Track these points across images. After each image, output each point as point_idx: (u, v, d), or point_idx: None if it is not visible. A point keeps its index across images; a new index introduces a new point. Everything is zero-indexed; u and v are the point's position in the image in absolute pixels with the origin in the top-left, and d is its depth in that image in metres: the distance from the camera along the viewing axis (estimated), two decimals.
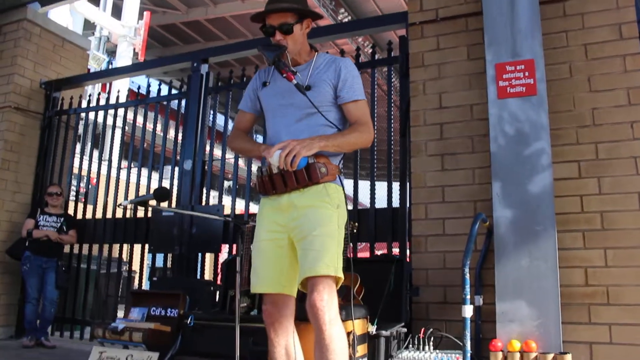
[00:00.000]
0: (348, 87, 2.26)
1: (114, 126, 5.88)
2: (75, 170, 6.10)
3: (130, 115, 5.80)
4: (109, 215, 5.68)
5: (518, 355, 3.00)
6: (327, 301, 2.04)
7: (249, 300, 3.64)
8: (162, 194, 2.79)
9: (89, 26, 18.39)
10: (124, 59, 17.78)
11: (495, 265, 3.27)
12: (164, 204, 5.38)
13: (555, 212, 3.25)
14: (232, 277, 3.74)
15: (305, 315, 2.10)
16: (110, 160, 5.85)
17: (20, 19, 6.11)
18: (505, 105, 3.39)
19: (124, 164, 5.83)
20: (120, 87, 11.64)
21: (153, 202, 2.84)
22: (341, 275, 2.10)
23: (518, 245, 3.19)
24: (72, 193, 6.11)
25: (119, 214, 5.54)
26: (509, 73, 3.39)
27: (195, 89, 5.34)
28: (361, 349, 2.74)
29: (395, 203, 4.32)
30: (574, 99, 3.51)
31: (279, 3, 2.25)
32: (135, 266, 6.02)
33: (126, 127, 6.26)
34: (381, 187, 4.60)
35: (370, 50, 4.95)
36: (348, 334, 2.59)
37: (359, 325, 2.76)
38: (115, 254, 5.62)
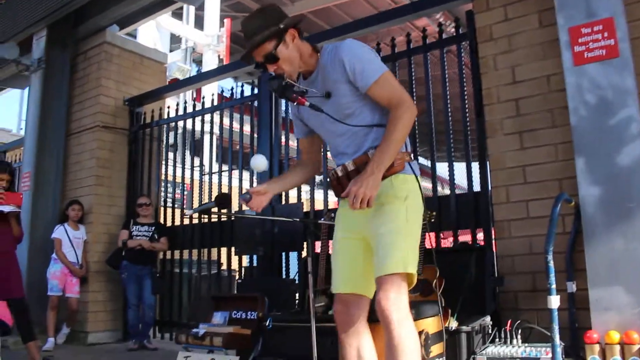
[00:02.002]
0: (359, 74, 2.06)
1: (192, 132, 6.05)
2: (169, 178, 6.36)
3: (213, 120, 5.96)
4: (195, 221, 5.86)
5: (618, 347, 2.71)
6: (394, 300, 1.92)
7: (326, 299, 3.59)
8: (223, 200, 2.79)
9: (175, 40, 19.27)
10: (210, 66, 18.36)
11: (585, 249, 2.98)
12: (244, 208, 5.46)
13: None
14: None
15: (374, 316, 2.01)
16: (192, 166, 6.04)
17: (100, 43, 6.48)
18: (583, 72, 3.07)
19: (214, 167, 5.96)
20: (212, 92, 12.04)
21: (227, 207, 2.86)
22: (411, 270, 1.96)
23: (609, 226, 2.89)
24: (169, 201, 6.40)
25: (205, 219, 5.70)
26: (585, 36, 3.06)
27: (266, 89, 5.36)
28: (436, 348, 2.59)
29: (476, 187, 4.08)
30: None
31: (252, 38, 2.10)
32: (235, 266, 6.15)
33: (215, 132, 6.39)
34: (460, 168, 4.37)
35: (453, 28, 4.59)
36: (419, 333, 2.47)
37: (433, 323, 2.61)
38: (212, 257, 5.78)
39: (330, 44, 2.17)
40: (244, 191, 5.37)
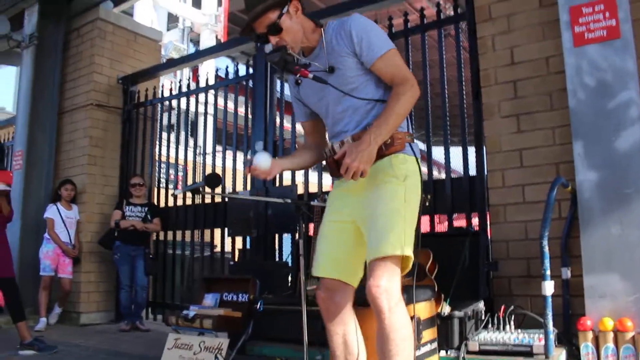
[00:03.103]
0: (366, 46, 2.00)
1: (187, 111, 5.96)
2: (162, 158, 6.30)
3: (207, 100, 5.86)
4: (188, 202, 5.79)
5: (611, 335, 2.67)
6: (385, 288, 1.86)
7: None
8: (213, 179, 2.73)
9: (173, 19, 19.04)
10: (207, 46, 18.19)
11: (580, 235, 2.93)
12: (239, 190, 5.40)
13: None
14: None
15: (364, 300, 1.94)
16: (186, 146, 5.97)
17: (94, 19, 6.35)
18: (583, 53, 2.99)
19: (206, 148, 5.87)
20: (209, 71, 11.95)
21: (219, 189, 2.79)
22: (409, 253, 1.90)
23: (606, 212, 2.83)
24: (163, 181, 6.34)
25: (198, 200, 5.64)
26: (586, 16, 2.98)
27: (261, 69, 5.26)
28: (428, 334, 2.55)
29: (472, 171, 4.02)
30: None
31: (255, 8, 2.03)
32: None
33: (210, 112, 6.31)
34: (456, 153, 4.30)
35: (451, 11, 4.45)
36: (411, 318, 2.42)
37: (425, 308, 2.57)
38: (206, 238, 5.72)
39: (336, 20, 2.12)
40: (240, 172, 5.30)
